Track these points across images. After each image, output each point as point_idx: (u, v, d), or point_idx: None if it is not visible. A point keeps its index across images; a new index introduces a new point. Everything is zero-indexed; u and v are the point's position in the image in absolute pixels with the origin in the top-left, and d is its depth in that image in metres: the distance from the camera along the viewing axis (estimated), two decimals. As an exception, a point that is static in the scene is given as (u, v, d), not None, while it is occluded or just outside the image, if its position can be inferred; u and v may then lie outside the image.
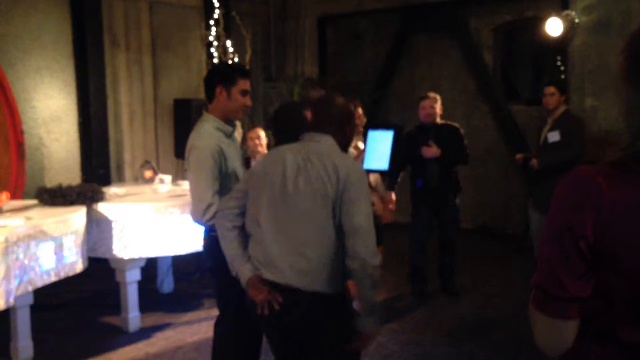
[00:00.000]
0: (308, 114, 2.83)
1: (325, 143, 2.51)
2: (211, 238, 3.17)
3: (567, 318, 1.30)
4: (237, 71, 3.20)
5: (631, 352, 1.25)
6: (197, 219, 3.09)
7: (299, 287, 2.39)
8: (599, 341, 1.29)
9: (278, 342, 2.64)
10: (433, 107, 5.40)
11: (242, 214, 2.63)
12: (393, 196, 4.41)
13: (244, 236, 2.64)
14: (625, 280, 1.23)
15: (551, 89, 5.25)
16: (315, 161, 2.43)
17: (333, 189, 2.38)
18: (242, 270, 2.55)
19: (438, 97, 5.49)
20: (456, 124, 5.58)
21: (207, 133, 3.12)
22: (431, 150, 5.29)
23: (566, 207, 1.28)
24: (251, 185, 2.57)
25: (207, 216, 3.02)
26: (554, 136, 5.21)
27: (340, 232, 2.40)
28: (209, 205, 3.00)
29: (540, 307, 1.33)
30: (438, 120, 5.46)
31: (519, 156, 5.70)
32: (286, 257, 2.41)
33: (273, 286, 2.43)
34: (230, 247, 2.64)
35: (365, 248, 2.34)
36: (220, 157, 3.08)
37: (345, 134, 2.59)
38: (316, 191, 2.39)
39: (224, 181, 3.09)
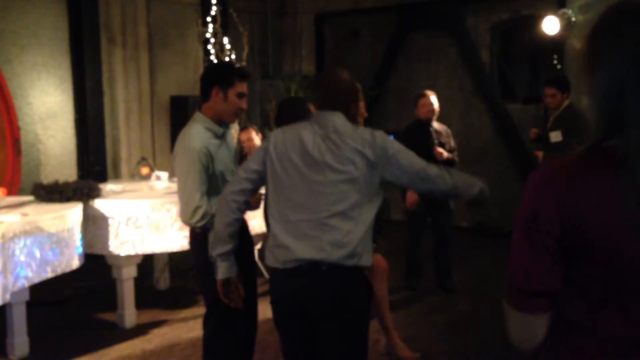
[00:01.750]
0: (312, 108, 2.83)
1: (339, 119, 2.50)
2: (196, 235, 3.17)
3: (536, 312, 1.30)
4: (236, 73, 3.17)
5: (605, 342, 1.24)
6: (186, 221, 3.09)
7: (337, 261, 2.36)
8: (572, 332, 1.29)
9: (294, 327, 2.56)
10: (433, 104, 5.42)
11: (252, 193, 2.61)
12: None
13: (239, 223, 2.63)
14: (600, 267, 1.23)
15: (552, 90, 5.24)
16: (337, 139, 2.42)
17: (369, 157, 2.39)
18: (219, 266, 2.66)
19: (435, 94, 5.52)
20: (445, 125, 5.63)
21: (196, 134, 3.09)
22: (442, 154, 5.31)
23: (532, 202, 1.28)
24: (270, 169, 2.51)
25: (195, 218, 3.01)
26: (556, 136, 5.19)
27: (372, 204, 2.42)
28: (197, 208, 2.99)
29: (511, 302, 1.34)
30: (434, 118, 5.50)
31: (534, 131, 5.60)
32: (320, 233, 2.38)
33: (305, 265, 2.40)
34: (222, 226, 2.61)
35: (444, 184, 2.48)
36: (208, 159, 3.05)
37: (350, 112, 2.57)
38: (347, 165, 2.39)
39: (211, 183, 3.08)
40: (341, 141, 2.42)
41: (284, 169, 2.47)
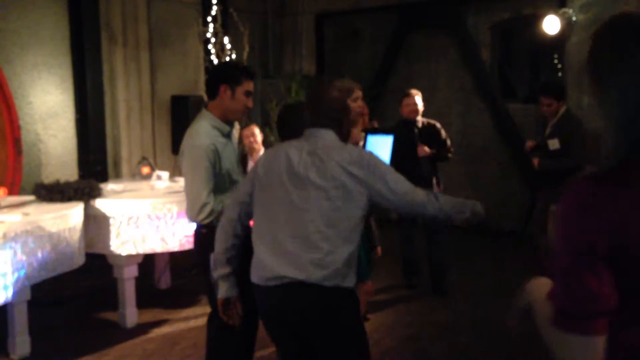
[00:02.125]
0: None
1: (329, 136, 2.48)
2: (201, 234, 3.18)
3: (599, 333, 1.21)
4: (244, 72, 3.21)
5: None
6: (192, 218, 3.09)
7: (317, 282, 2.32)
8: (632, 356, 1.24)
9: (288, 341, 2.56)
10: (416, 104, 5.46)
11: (249, 216, 2.60)
12: None
13: (239, 243, 2.63)
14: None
15: (548, 100, 5.22)
16: (323, 155, 2.39)
17: (356, 175, 2.35)
18: (220, 285, 2.66)
19: (420, 94, 5.56)
20: (434, 121, 5.64)
21: (203, 131, 3.11)
22: (424, 150, 5.37)
23: (581, 224, 1.21)
24: (257, 186, 2.51)
25: (202, 215, 3.02)
26: (554, 144, 5.19)
27: (356, 223, 2.38)
28: (204, 205, 3.00)
29: (569, 326, 1.23)
30: (419, 117, 5.53)
31: (530, 144, 5.61)
32: (301, 252, 2.34)
33: (286, 284, 2.36)
34: (221, 250, 2.62)
35: (431, 209, 2.41)
36: (215, 156, 3.07)
37: (341, 131, 2.53)
38: (330, 183, 2.34)
39: (218, 181, 3.09)
40: (328, 158, 2.38)
41: (269, 186, 2.46)
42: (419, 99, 5.50)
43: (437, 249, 5.56)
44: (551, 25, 6.83)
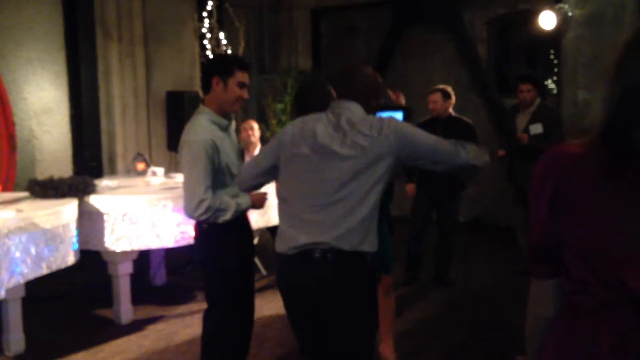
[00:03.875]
0: (333, 91, 2.84)
1: (355, 107, 2.52)
2: (202, 229, 3.18)
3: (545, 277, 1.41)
4: (236, 62, 3.17)
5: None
6: (189, 214, 3.08)
7: (333, 245, 2.37)
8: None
9: (306, 319, 2.58)
10: (437, 102, 5.43)
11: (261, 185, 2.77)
12: None
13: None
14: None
15: (528, 86, 5.45)
16: (346, 125, 2.44)
17: (379, 143, 2.38)
18: (241, 201, 3.06)
19: (448, 90, 5.50)
20: (468, 119, 5.58)
21: (201, 127, 3.09)
22: None
23: (541, 173, 1.35)
24: (282, 157, 2.55)
25: (199, 211, 3.00)
26: (536, 128, 5.40)
27: (377, 191, 2.41)
28: (201, 201, 2.98)
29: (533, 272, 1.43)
30: (451, 113, 5.51)
31: (501, 152, 5.77)
32: (322, 218, 2.40)
33: (304, 250, 2.41)
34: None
35: (460, 158, 2.46)
36: (214, 151, 3.05)
37: (370, 105, 2.59)
38: (354, 152, 2.39)
39: (218, 176, 3.08)
40: (351, 128, 2.42)
41: (295, 157, 2.50)
42: (439, 96, 5.45)
43: (447, 245, 5.65)
44: (547, 20, 6.83)
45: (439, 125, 5.39)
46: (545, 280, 1.40)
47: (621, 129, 1.22)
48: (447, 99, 5.47)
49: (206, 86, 3.19)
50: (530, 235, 1.39)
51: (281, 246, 2.51)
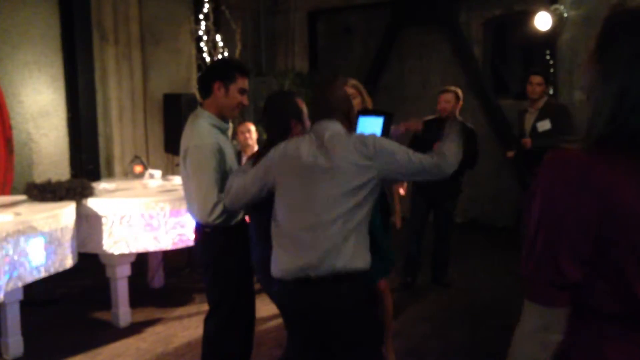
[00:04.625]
0: (300, 103, 2.86)
1: (334, 126, 2.57)
2: (204, 233, 3.17)
3: (560, 305, 1.26)
4: (238, 69, 3.18)
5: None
6: (204, 219, 3.05)
7: (336, 266, 2.39)
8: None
9: (308, 334, 2.61)
10: (449, 102, 5.39)
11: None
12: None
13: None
14: (632, 256, 1.20)
15: (539, 79, 5.37)
16: (329, 144, 2.48)
17: (362, 161, 2.43)
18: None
19: (459, 93, 5.45)
20: (471, 125, 5.55)
21: (204, 131, 3.09)
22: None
23: (564, 190, 1.23)
24: (270, 183, 2.61)
25: (214, 215, 3.00)
26: (544, 125, 5.32)
27: (365, 209, 2.44)
28: (216, 204, 2.98)
29: (533, 296, 1.29)
30: (457, 116, 5.48)
31: (510, 154, 5.74)
32: (309, 239, 2.43)
33: (307, 273, 2.42)
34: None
35: (442, 170, 2.58)
36: (221, 155, 3.06)
37: (349, 119, 2.66)
38: (338, 171, 2.43)
39: (223, 179, 3.07)
40: (333, 148, 2.46)
41: (282, 181, 2.55)
42: (452, 96, 5.38)
43: (444, 245, 5.67)
44: (543, 21, 6.85)
45: (443, 126, 5.37)
46: (560, 308, 1.26)
47: (631, 127, 1.18)
48: (457, 101, 5.45)
49: (206, 90, 3.18)
50: (539, 259, 1.27)
51: (277, 271, 2.53)
